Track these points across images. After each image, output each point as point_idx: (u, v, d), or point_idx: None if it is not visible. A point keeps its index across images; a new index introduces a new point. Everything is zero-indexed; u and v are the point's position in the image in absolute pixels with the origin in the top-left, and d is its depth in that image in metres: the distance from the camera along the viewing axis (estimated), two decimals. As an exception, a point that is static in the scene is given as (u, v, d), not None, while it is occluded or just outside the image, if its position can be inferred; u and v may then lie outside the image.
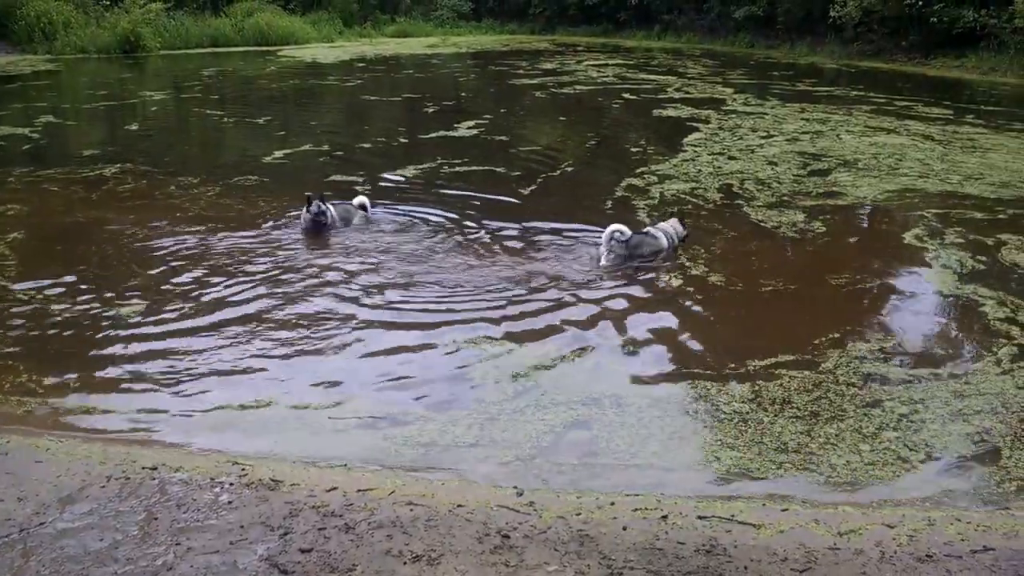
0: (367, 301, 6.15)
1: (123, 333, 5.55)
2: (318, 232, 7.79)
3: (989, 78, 21.93)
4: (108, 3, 27.32)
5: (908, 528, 3.44)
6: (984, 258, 7.31)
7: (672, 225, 7.21)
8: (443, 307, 6.03)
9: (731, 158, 11.24)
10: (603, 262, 6.88)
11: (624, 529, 3.37)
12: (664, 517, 3.48)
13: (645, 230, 7.12)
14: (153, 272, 6.73)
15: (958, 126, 14.08)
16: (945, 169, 10.66)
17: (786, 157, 11.32)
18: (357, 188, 9.59)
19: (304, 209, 7.84)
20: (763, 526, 3.44)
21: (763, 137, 12.83)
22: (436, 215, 8.47)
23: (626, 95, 18.25)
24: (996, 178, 10.21)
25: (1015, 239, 7.78)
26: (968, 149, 12.04)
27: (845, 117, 14.90)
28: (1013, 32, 22.07)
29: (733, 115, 14.98)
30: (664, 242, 7.04)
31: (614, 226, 6.87)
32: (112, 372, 5.03)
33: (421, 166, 10.88)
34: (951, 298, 6.40)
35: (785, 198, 9.12)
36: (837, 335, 5.63)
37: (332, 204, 8.04)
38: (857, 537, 3.37)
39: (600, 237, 6.99)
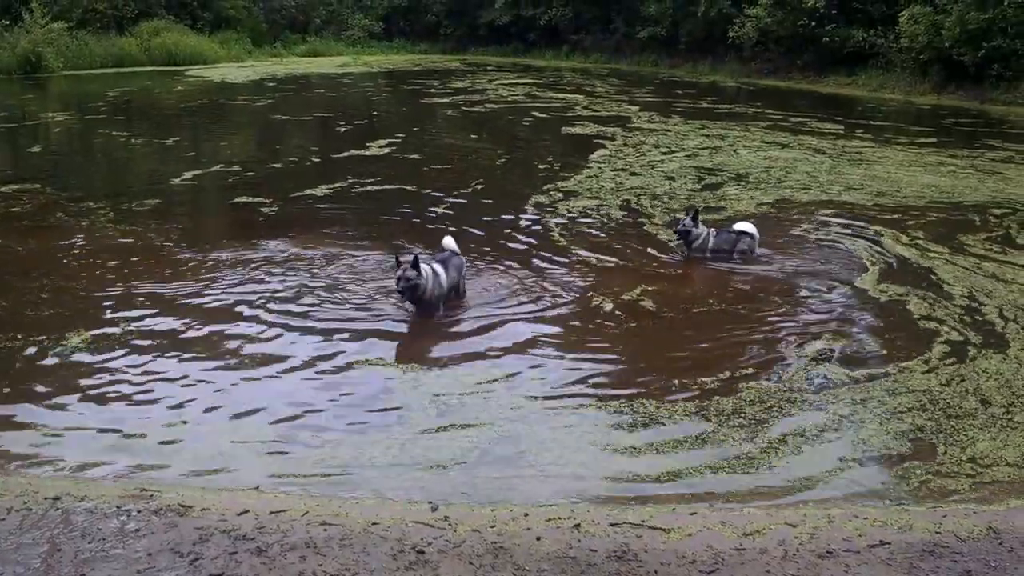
0: (275, 325, 6.02)
1: (19, 364, 5.32)
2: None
3: (877, 94, 23.16)
4: (7, 23, 26.26)
5: (809, 526, 3.57)
6: (879, 250, 7.80)
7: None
8: (362, 330, 5.95)
9: (633, 174, 11.54)
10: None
11: (538, 539, 3.42)
12: (577, 526, 3.54)
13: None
14: (47, 300, 6.47)
15: (848, 140, 14.86)
16: (830, 180, 11.24)
17: (684, 172, 11.70)
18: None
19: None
20: (672, 530, 3.52)
21: (665, 153, 13.23)
22: (350, 236, 8.42)
23: (536, 113, 18.52)
24: (876, 188, 10.83)
25: (889, 231, 8.46)
26: (855, 162, 12.72)
27: (743, 133, 15.49)
28: (899, 51, 23.38)
29: (638, 132, 15.39)
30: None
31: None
32: (9, 404, 4.81)
33: (333, 185, 10.78)
34: (876, 296, 6.67)
35: (677, 214, 9.37)
36: (773, 347, 5.75)
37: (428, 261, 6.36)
38: (761, 537, 3.48)
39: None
